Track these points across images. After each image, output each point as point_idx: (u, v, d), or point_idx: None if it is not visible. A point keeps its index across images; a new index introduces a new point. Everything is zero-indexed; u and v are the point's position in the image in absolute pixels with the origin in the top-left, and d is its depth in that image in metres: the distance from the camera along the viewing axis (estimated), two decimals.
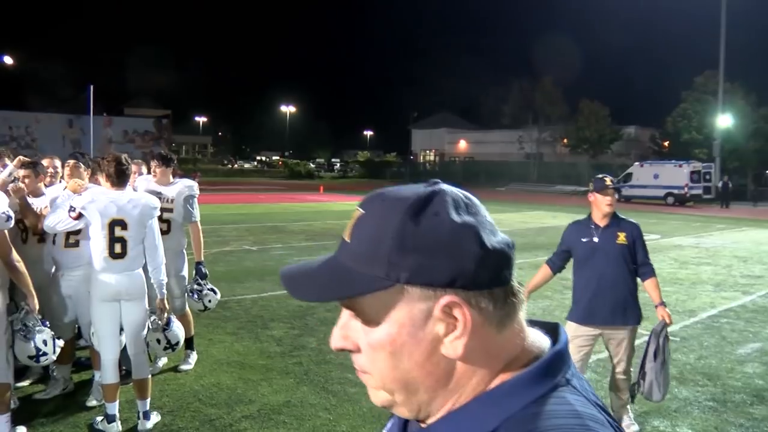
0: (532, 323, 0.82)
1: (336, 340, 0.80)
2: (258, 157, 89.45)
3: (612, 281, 4.39)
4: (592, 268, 4.40)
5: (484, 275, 0.73)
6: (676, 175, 35.31)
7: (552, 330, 0.83)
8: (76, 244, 4.66)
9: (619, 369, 4.57)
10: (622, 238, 4.42)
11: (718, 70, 42.96)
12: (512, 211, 27.46)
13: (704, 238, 18.47)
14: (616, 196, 4.47)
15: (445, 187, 0.78)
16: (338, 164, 77.89)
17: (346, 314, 0.79)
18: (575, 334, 4.42)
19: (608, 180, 4.44)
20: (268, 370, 5.71)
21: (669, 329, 4.62)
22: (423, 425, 0.80)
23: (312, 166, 69.10)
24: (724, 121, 43.28)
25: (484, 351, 0.75)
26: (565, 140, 56.37)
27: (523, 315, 0.79)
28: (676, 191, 35.25)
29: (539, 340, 0.80)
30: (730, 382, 5.79)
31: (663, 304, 4.53)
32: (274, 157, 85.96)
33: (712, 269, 12.42)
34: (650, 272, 4.54)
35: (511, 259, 0.77)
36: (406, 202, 0.74)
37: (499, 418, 0.72)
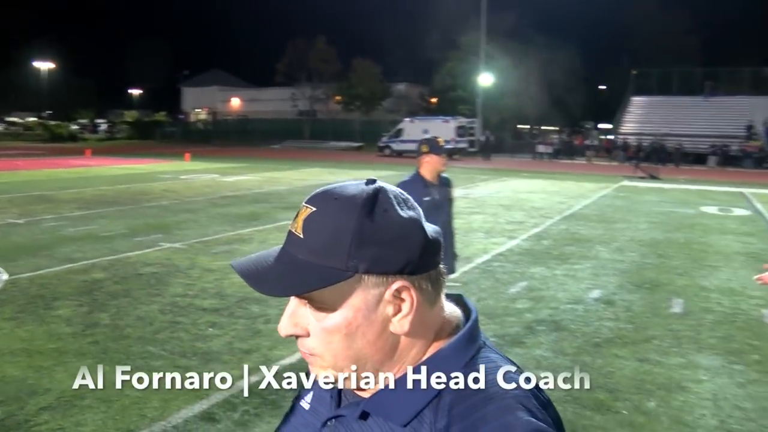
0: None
1: (286, 328, 0.87)
2: (9, 119, 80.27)
3: (449, 233, 4.90)
4: (436, 224, 4.77)
5: (427, 261, 0.85)
6: (443, 130, 37.64)
7: (457, 300, 0.96)
8: None
9: None
10: (450, 193, 4.90)
11: (481, 32, 46.27)
12: (288, 169, 27.69)
13: (471, 189, 20.08)
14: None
15: (384, 185, 0.87)
16: (104, 125, 72.48)
17: (294, 302, 0.86)
18: None
19: (441, 141, 4.81)
20: (62, 353, 5.33)
21: (452, 276, 5.15)
22: (365, 394, 0.89)
23: (75, 127, 63.66)
24: (485, 80, 46.92)
25: (422, 325, 0.86)
26: (338, 97, 57.60)
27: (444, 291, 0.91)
28: None
29: (454, 310, 0.93)
30: (506, 318, 6.49)
31: None
32: (29, 119, 77.73)
33: (482, 218, 13.60)
34: None
35: (441, 245, 0.89)
36: (358, 200, 0.83)
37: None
